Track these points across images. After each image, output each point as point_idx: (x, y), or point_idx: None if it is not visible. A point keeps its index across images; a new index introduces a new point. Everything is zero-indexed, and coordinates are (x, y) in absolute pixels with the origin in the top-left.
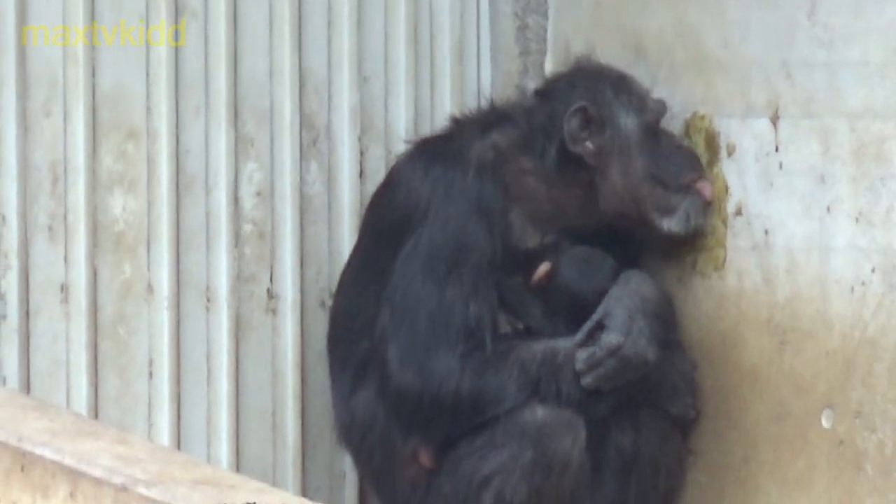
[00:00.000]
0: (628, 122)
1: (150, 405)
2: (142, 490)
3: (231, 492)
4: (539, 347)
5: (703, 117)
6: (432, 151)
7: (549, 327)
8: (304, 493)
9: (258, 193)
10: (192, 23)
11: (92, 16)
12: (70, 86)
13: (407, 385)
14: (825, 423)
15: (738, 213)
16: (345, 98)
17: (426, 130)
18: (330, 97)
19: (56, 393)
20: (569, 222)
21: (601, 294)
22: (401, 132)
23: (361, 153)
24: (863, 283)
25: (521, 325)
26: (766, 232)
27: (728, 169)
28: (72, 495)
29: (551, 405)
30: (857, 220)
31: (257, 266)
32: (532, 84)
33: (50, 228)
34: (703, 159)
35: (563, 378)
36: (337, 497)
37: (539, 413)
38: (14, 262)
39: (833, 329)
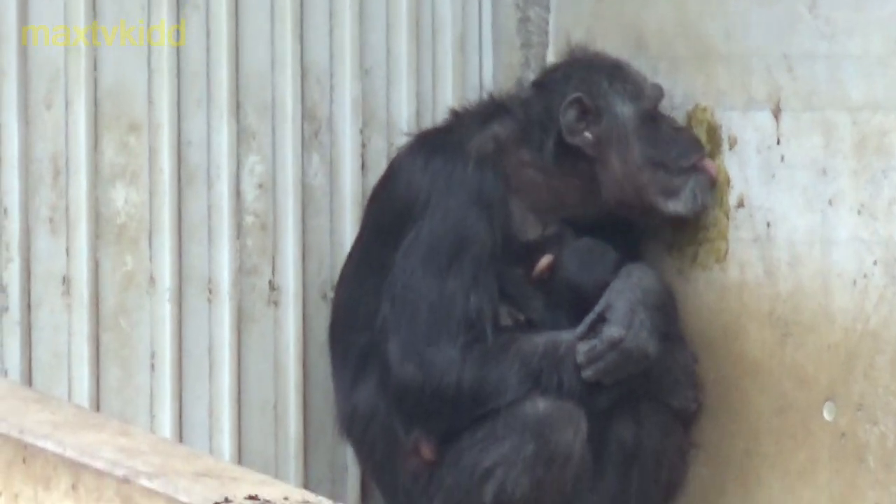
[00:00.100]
0: (625, 109)
1: (151, 397)
2: (144, 482)
3: (233, 484)
4: (540, 340)
5: (704, 110)
6: (432, 144)
7: (550, 320)
8: (306, 485)
9: (260, 185)
10: (193, 15)
11: (93, 15)
12: (72, 78)
13: (408, 377)
14: (827, 415)
15: (740, 205)
16: (346, 90)
17: (428, 122)
18: (332, 89)
19: (58, 385)
20: (570, 213)
21: (603, 287)
22: (402, 124)
23: (363, 145)
24: (865, 276)
25: (522, 318)
26: (768, 224)
27: (730, 161)
28: (73, 487)
29: (553, 398)
30: (858, 212)
31: (259, 258)
32: (533, 77)
33: (51, 221)
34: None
35: (564, 370)
36: (339, 489)
37: (540, 405)
38: (16, 254)
39: (835, 322)
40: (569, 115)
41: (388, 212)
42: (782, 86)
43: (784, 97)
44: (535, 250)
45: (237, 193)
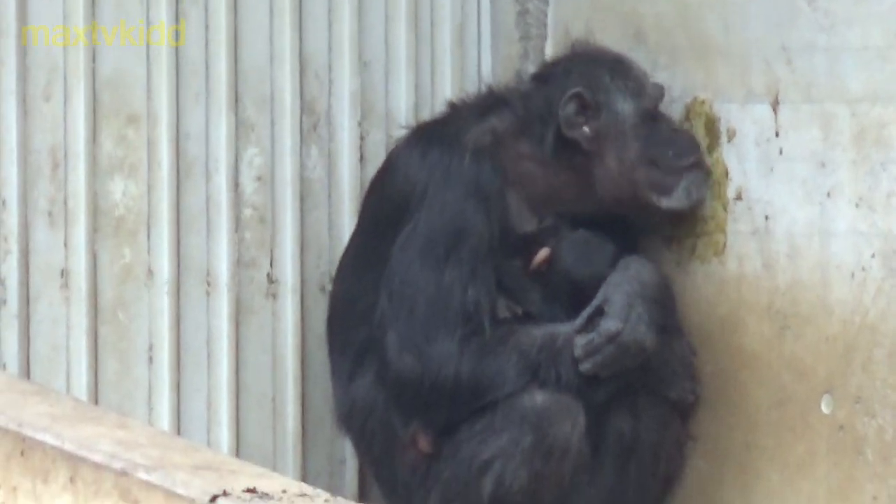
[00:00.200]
0: (625, 106)
1: (150, 390)
2: (142, 475)
3: (231, 477)
4: (538, 333)
5: (703, 102)
6: (429, 136)
7: (548, 312)
8: (305, 478)
9: (258, 178)
10: (192, 9)
11: (92, 15)
12: (70, 70)
13: (406, 370)
14: (825, 408)
15: (739, 198)
16: (345, 83)
17: (426, 115)
18: (330, 82)
19: (56, 378)
20: (566, 207)
21: (600, 279)
22: (401, 117)
23: (362, 138)
24: (863, 269)
25: (519, 311)
26: (767, 217)
27: (728, 154)
28: (72, 480)
29: (551, 390)
30: (857, 205)
31: (257, 251)
32: (532, 69)
33: (50, 213)
34: (704, 144)
35: (562, 363)
36: (337, 482)
37: (538, 398)
38: (14, 246)
39: (833, 314)
40: (568, 109)
41: (385, 204)
42: (781, 78)
43: (783, 89)
44: (532, 243)
45: (235, 186)
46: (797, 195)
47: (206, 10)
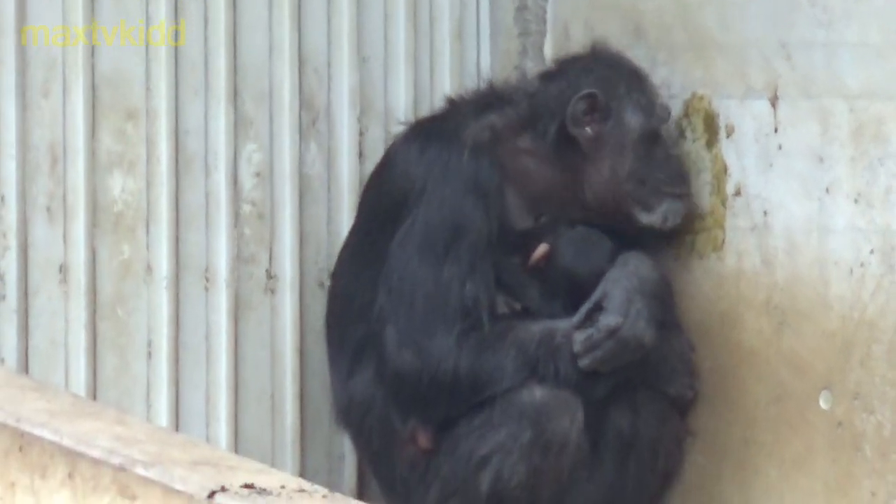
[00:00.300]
0: (633, 120)
1: (148, 386)
2: (140, 471)
3: (229, 472)
4: (537, 328)
5: (702, 98)
6: (428, 132)
7: (546, 308)
8: (303, 473)
9: (257, 174)
10: (191, 4)
11: (92, 15)
12: (69, 66)
13: (405, 366)
14: (823, 404)
15: (737, 193)
16: (344, 79)
17: (425, 111)
18: (329, 78)
19: (54, 373)
20: (560, 205)
21: (599, 275)
22: (400, 113)
23: (361, 134)
24: (861, 265)
25: (518, 306)
26: (765, 213)
27: (727, 150)
28: (70, 476)
29: (549, 386)
30: (855, 200)
31: (256, 246)
32: (531, 65)
33: (49, 209)
34: (703, 140)
35: (560, 359)
36: (335, 478)
37: (537, 393)
38: (13, 242)
39: (832, 310)
40: (578, 106)
41: (384, 200)
42: (780, 74)
43: (781, 85)
44: (530, 239)
45: (234, 182)
46: (796, 191)
47: (206, 5)
